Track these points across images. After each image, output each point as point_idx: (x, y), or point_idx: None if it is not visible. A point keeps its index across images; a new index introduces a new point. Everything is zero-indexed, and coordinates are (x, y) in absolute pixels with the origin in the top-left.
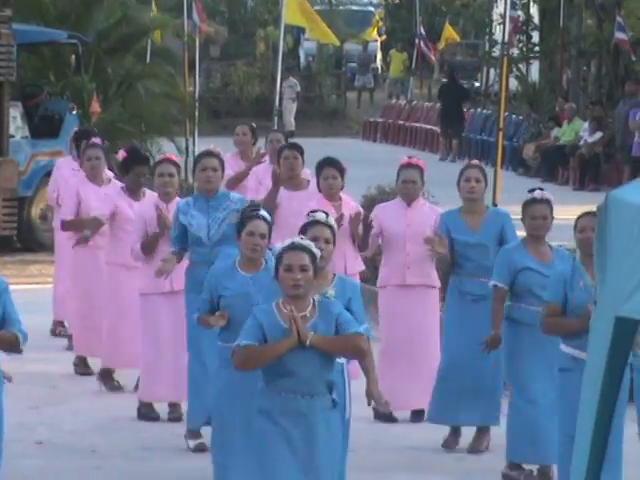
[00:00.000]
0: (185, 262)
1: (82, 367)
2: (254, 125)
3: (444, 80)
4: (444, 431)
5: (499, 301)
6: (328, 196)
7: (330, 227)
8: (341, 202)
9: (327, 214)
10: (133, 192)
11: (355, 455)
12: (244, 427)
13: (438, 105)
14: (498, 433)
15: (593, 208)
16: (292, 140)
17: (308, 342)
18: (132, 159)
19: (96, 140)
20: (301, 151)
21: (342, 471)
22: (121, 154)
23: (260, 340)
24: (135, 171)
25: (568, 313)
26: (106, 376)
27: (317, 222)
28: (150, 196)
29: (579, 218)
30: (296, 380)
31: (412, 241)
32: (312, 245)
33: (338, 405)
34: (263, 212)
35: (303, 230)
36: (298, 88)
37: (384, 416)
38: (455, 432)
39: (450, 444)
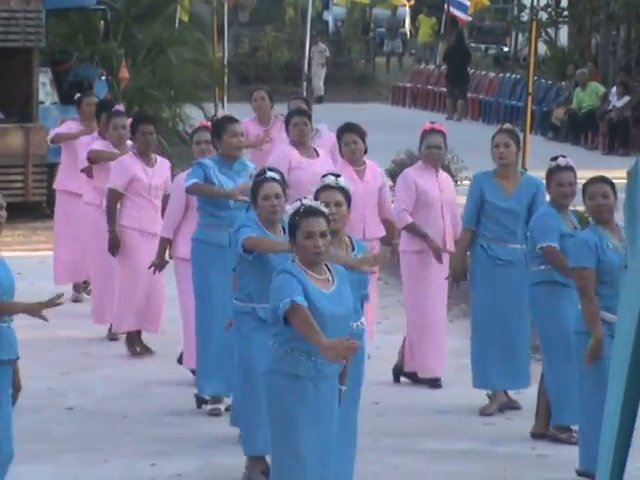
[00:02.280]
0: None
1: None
2: (269, 89)
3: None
4: (472, 395)
5: (557, 260)
6: (350, 161)
7: (341, 189)
8: (365, 166)
9: (337, 176)
10: (143, 154)
11: (385, 420)
12: None
13: (444, 67)
14: (528, 397)
15: (623, 173)
16: (317, 106)
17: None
18: (138, 119)
19: (120, 108)
20: (310, 117)
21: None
22: (129, 120)
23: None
24: (141, 130)
25: (601, 276)
26: (130, 341)
27: (327, 186)
28: (162, 163)
29: (587, 184)
30: None
31: (446, 207)
32: (323, 207)
33: (357, 370)
34: (271, 173)
35: (316, 196)
36: (327, 53)
37: (430, 381)
38: (495, 397)
39: (487, 409)
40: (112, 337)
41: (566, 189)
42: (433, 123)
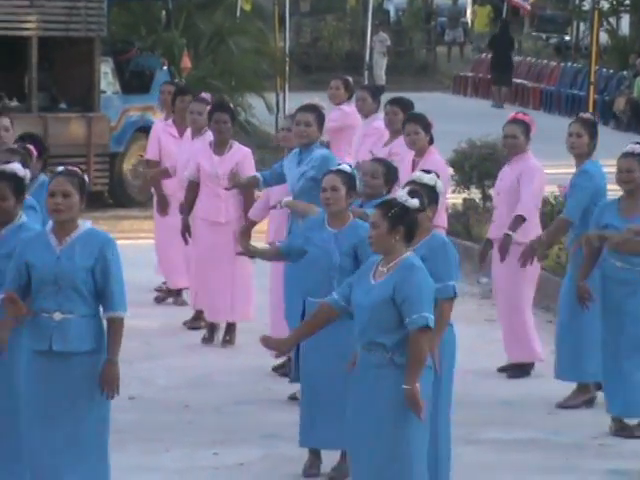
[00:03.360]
0: None
1: (193, 322)
2: (349, 79)
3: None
4: (534, 384)
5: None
6: (414, 152)
7: (342, 174)
8: (423, 157)
9: (348, 165)
10: (216, 142)
11: None
12: (330, 382)
13: (489, 55)
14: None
15: None
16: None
17: None
18: (214, 107)
19: (204, 95)
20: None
21: None
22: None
23: None
24: (215, 118)
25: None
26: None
27: (329, 171)
28: (235, 151)
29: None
30: None
31: (497, 196)
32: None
33: None
34: (342, 166)
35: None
36: (388, 42)
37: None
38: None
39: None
40: (192, 326)
41: (622, 175)
42: (517, 113)
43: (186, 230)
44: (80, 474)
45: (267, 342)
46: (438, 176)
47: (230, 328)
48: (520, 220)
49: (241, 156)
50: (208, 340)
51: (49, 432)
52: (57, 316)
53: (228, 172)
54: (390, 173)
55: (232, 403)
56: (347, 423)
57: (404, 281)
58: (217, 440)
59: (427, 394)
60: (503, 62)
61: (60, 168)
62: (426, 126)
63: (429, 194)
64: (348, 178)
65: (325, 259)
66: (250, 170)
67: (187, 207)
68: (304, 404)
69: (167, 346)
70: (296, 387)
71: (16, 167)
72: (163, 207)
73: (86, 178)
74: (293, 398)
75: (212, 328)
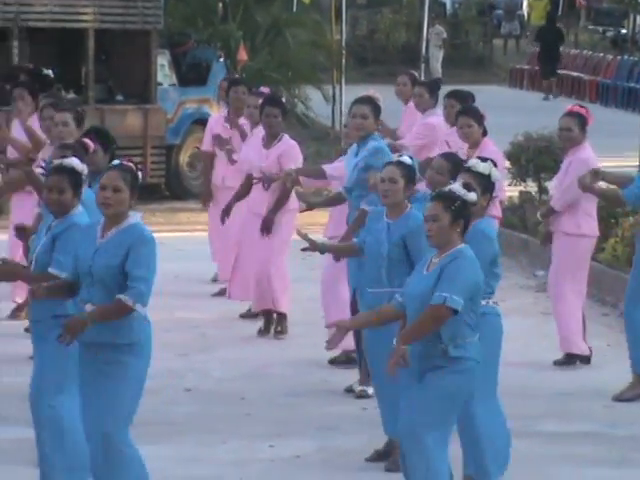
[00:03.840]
0: None
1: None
2: (415, 74)
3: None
4: (589, 377)
5: None
6: (468, 145)
7: (402, 166)
8: (477, 149)
9: (409, 157)
10: (266, 135)
11: (503, 402)
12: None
13: (537, 48)
14: None
15: None
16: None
17: None
18: (265, 101)
19: (263, 89)
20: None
21: None
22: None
23: None
24: (266, 112)
25: None
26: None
27: (389, 163)
28: (280, 145)
29: None
30: None
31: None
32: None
33: None
34: (402, 158)
35: None
36: (444, 35)
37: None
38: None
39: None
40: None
41: None
42: (573, 106)
43: (225, 214)
44: None
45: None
46: (495, 165)
47: (280, 318)
48: (551, 211)
49: (285, 148)
50: (264, 332)
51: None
52: (88, 307)
53: (271, 165)
54: (456, 170)
55: (287, 395)
56: (400, 414)
57: (448, 265)
58: (273, 432)
59: (469, 390)
60: (550, 55)
61: (115, 162)
62: (479, 118)
63: (483, 183)
64: (408, 170)
65: (376, 248)
66: (292, 162)
67: (236, 197)
68: (382, 399)
69: (222, 338)
70: (353, 379)
71: (74, 161)
72: (207, 198)
73: (140, 174)
74: (349, 390)
75: (268, 320)
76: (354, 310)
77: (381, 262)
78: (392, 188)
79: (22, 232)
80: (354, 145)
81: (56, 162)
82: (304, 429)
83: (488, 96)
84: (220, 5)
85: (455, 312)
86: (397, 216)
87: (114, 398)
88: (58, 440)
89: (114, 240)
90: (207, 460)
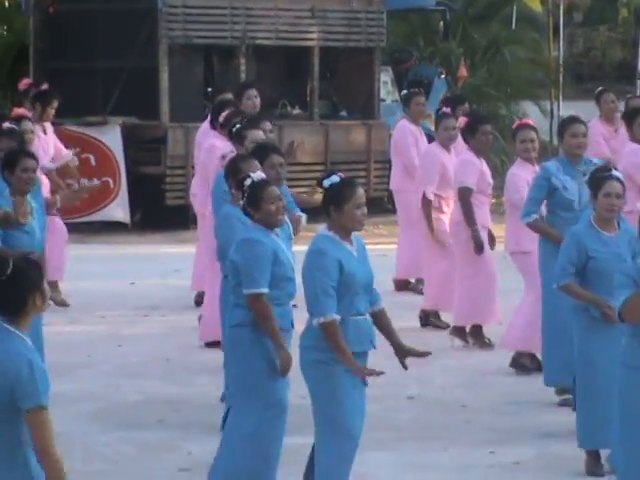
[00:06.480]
0: None
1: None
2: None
3: None
4: None
5: None
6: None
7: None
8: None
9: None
10: (481, 153)
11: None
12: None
13: None
14: None
15: None
16: None
17: None
18: (476, 119)
19: (447, 110)
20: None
21: None
22: (461, 120)
23: None
24: (482, 130)
25: None
26: (476, 333)
27: (611, 177)
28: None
29: None
30: None
31: None
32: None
33: None
34: (616, 173)
35: None
36: None
37: None
38: None
39: None
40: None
41: None
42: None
43: (478, 242)
44: None
45: None
46: None
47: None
48: None
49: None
50: (487, 345)
51: None
52: None
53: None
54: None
55: (509, 402)
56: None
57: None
58: (494, 439)
59: None
60: None
61: (333, 176)
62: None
63: None
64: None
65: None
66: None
67: (472, 216)
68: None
69: (443, 347)
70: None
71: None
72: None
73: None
74: (562, 405)
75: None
76: None
77: None
78: (619, 203)
79: None
80: (564, 163)
81: None
82: (524, 436)
83: None
84: (441, 23)
85: None
86: (614, 230)
87: None
88: None
89: None
90: (428, 466)
